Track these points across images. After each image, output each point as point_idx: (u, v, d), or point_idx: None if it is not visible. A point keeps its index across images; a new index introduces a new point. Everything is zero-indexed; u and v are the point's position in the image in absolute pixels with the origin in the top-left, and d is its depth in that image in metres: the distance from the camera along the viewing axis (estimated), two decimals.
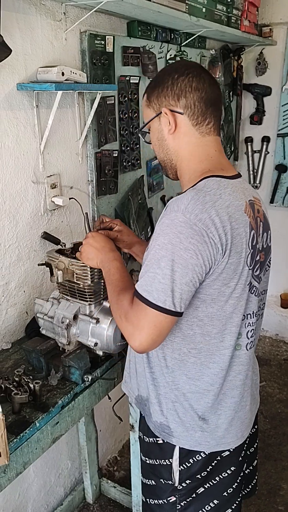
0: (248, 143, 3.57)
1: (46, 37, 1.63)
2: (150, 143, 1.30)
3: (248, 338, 1.23)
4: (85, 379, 1.41)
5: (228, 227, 1.07)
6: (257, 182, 3.62)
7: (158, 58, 2.26)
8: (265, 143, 3.51)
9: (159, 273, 1.06)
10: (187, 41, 2.48)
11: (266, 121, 3.48)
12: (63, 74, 1.57)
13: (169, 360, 1.22)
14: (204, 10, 2.25)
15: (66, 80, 1.60)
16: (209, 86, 1.17)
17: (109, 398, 1.67)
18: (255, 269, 1.19)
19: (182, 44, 2.47)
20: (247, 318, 1.21)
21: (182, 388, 1.22)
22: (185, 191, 1.15)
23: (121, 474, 2.48)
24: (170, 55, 2.37)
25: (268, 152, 3.53)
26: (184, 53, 2.49)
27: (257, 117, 3.47)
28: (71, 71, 1.61)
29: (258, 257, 1.19)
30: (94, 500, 2.29)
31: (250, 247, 1.15)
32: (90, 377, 1.42)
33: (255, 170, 3.62)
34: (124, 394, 1.66)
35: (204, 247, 1.05)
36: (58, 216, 1.84)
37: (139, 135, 1.35)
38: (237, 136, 3.53)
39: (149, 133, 1.28)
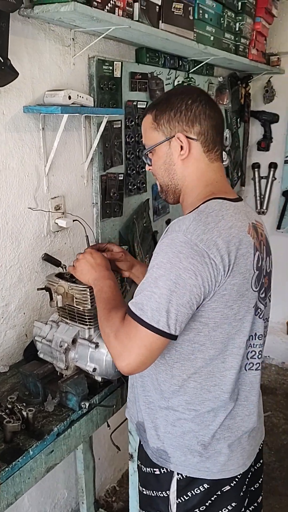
0: (255, 169, 3.57)
1: (54, 62, 1.65)
2: (151, 166, 1.27)
3: (248, 359, 1.19)
4: (82, 405, 1.37)
5: (232, 247, 1.06)
6: (264, 208, 3.60)
7: (166, 84, 2.28)
8: (272, 169, 3.52)
9: (156, 292, 1.03)
10: (195, 68, 2.51)
11: (274, 148, 3.50)
12: (69, 97, 1.58)
13: (168, 386, 1.18)
14: (212, 38, 2.28)
15: (72, 103, 1.61)
16: (219, 115, 1.19)
17: (108, 425, 1.62)
18: (261, 292, 1.16)
19: (190, 71, 2.50)
20: (249, 340, 1.17)
21: (182, 412, 1.18)
22: (187, 214, 1.13)
23: (120, 505, 2.39)
24: (178, 81, 2.39)
25: (275, 178, 3.54)
26: (192, 79, 2.52)
27: (265, 144, 3.49)
28: (78, 95, 1.62)
29: (263, 280, 1.17)
30: None
31: (255, 269, 1.13)
32: (87, 404, 1.37)
33: (262, 196, 3.62)
34: (123, 421, 1.62)
35: (204, 267, 1.03)
36: (62, 238, 1.82)
37: (143, 158, 1.32)
38: (244, 162, 3.54)
39: (149, 158, 1.26)
